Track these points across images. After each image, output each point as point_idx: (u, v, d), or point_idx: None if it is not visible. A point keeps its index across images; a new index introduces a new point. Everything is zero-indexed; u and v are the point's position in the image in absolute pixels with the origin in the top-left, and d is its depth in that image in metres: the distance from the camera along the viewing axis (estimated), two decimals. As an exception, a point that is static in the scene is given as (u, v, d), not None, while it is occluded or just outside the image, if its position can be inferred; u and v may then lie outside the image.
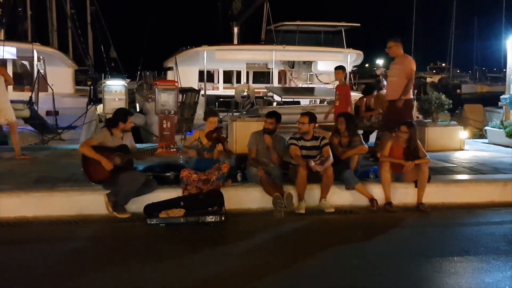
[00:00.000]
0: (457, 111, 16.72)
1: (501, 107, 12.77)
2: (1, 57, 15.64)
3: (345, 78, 10.20)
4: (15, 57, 17.40)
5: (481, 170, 8.08)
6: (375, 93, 10.45)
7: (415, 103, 12.05)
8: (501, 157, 9.27)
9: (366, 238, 5.65)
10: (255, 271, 4.61)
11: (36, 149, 10.38)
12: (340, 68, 9.43)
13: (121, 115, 6.46)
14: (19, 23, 21.53)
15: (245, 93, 16.84)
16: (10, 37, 18.81)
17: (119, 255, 5.05)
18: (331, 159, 6.71)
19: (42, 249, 5.20)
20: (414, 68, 8.18)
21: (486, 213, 6.60)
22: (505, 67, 12.98)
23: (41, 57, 17.78)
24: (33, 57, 16.85)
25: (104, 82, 16.00)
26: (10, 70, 17.36)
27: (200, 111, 12.85)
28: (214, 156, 6.65)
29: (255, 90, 17.67)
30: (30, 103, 13.42)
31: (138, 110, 18.70)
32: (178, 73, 17.43)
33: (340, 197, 6.79)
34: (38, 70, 15.89)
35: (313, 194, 6.66)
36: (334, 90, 9.87)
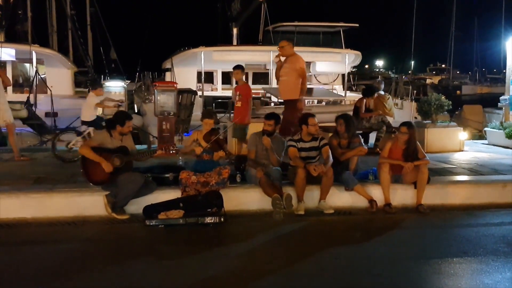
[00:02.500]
0: (456, 112, 16.73)
1: (500, 108, 12.79)
2: (0, 59, 15.66)
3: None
4: (14, 59, 17.40)
5: (480, 171, 8.08)
6: (375, 95, 10.46)
7: (413, 103, 12.01)
8: (501, 158, 9.27)
9: (365, 239, 5.64)
10: (254, 272, 4.61)
11: (35, 150, 10.38)
12: (238, 68, 9.17)
13: (119, 118, 6.47)
14: (19, 25, 21.53)
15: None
16: (10, 39, 18.82)
17: (118, 256, 5.04)
18: (331, 159, 6.71)
19: (41, 250, 5.20)
20: (304, 66, 8.13)
21: (485, 215, 6.60)
22: (505, 68, 12.99)
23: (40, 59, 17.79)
24: (32, 58, 16.85)
25: (104, 84, 16.02)
26: (9, 72, 17.38)
27: (197, 112, 12.82)
28: (215, 158, 6.66)
29: (254, 91, 17.67)
30: (27, 103, 13.41)
31: (136, 111, 18.69)
32: (174, 74, 17.44)
33: (340, 198, 6.78)
34: (36, 71, 15.89)
35: (312, 195, 6.66)
36: (234, 90, 9.43)
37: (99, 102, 9.81)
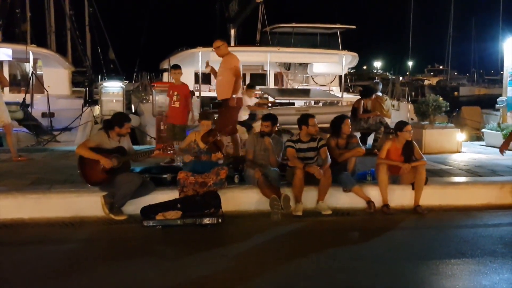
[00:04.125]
0: (454, 113, 16.75)
1: (498, 110, 12.81)
2: None
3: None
4: (11, 59, 17.35)
5: (478, 172, 8.09)
6: (373, 96, 10.47)
7: (410, 105, 11.98)
8: (498, 159, 9.27)
9: (363, 240, 5.65)
10: (251, 272, 4.61)
11: (33, 150, 10.36)
12: (179, 67, 9.12)
13: (117, 120, 6.45)
14: (17, 24, 21.47)
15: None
16: (9, 39, 18.77)
17: (115, 257, 5.03)
18: (329, 160, 6.71)
19: (39, 250, 5.19)
20: (238, 65, 8.08)
21: (483, 216, 6.61)
22: (502, 70, 13.01)
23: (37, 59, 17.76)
24: (28, 58, 16.81)
25: (102, 84, 16.00)
26: (6, 72, 17.33)
27: (194, 113, 12.82)
28: (213, 159, 6.66)
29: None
30: (23, 104, 13.38)
31: (133, 111, 18.68)
32: (170, 75, 17.40)
33: (337, 199, 6.78)
34: (33, 72, 15.86)
35: (310, 196, 6.65)
36: (170, 90, 9.14)
37: (251, 104, 9.84)
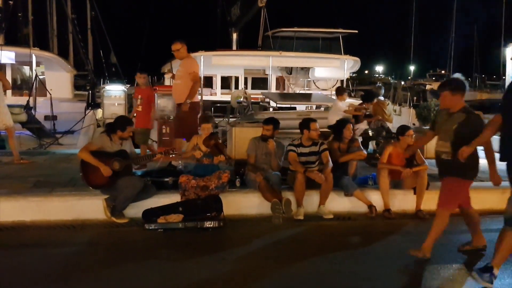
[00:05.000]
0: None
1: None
2: (0, 62, 15.64)
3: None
4: (13, 62, 17.39)
5: (479, 177, 8.04)
6: (375, 100, 10.47)
7: (411, 110, 11.95)
8: (500, 164, 9.23)
9: (364, 245, 5.64)
10: (252, 276, 4.61)
11: (35, 153, 10.38)
12: (142, 72, 9.24)
13: (120, 123, 6.47)
14: (19, 28, 21.53)
15: (241, 99, 16.83)
16: (11, 42, 18.81)
17: (117, 260, 5.03)
18: (331, 164, 6.72)
19: (40, 253, 5.19)
20: (198, 69, 8.01)
21: (485, 220, 6.57)
22: (505, 75, 13.01)
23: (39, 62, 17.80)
24: (32, 61, 16.85)
25: (104, 87, 16.01)
26: (9, 74, 17.37)
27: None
28: (215, 162, 6.67)
29: (252, 96, 17.67)
30: (27, 107, 13.40)
31: (135, 115, 18.68)
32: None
33: (339, 203, 6.78)
34: (36, 75, 15.89)
35: (311, 200, 6.66)
36: (133, 94, 9.31)
37: (346, 109, 9.85)
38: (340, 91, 10.35)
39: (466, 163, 4.79)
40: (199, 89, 7.99)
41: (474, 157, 4.92)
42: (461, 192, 5.14)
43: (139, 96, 9.03)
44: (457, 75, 5.21)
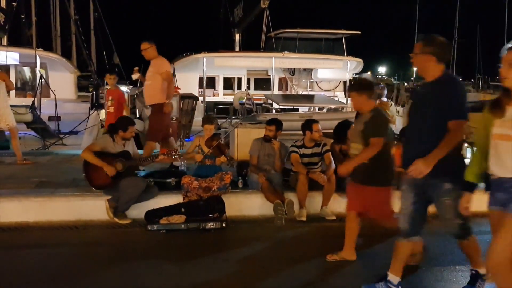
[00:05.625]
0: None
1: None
2: (4, 63, 15.68)
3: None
4: (18, 63, 17.46)
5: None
6: (378, 101, 10.44)
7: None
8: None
9: (367, 246, 5.62)
10: (254, 277, 4.61)
11: (38, 154, 10.39)
12: (112, 73, 9.33)
13: (122, 123, 6.49)
14: (23, 29, 21.60)
15: (244, 100, 16.87)
16: (14, 43, 18.88)
17: (119, 261, 5.04)
18: (333, 165, 6.71)
19: (43, 254, 5.21)
20: (169, 69, 7.95)
21: (488, 222, 6.56)
22: (507, 76, 12.96)
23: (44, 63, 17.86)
24: (35, 62, 16.89)
25: (107, 88, 16.04)
26: (13, 75, 17.43)
27: (198, 118, 12.86)
28: (217, 163, 6.67)
29: (255, 97, 17.70)
30: (32, 107, 13.45)
31: (138, 116, 18.71)
32: (176, 79, 17.46)
33: (342, 204, 6.73)
34: (41, 76, 15.95)
35: (314, 201, 6.65)
36: (105, 95, 9.44)
37: None
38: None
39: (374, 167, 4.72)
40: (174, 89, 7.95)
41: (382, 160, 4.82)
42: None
43: (110, 97, 9.15)
44: (365, 75, 5.17)
